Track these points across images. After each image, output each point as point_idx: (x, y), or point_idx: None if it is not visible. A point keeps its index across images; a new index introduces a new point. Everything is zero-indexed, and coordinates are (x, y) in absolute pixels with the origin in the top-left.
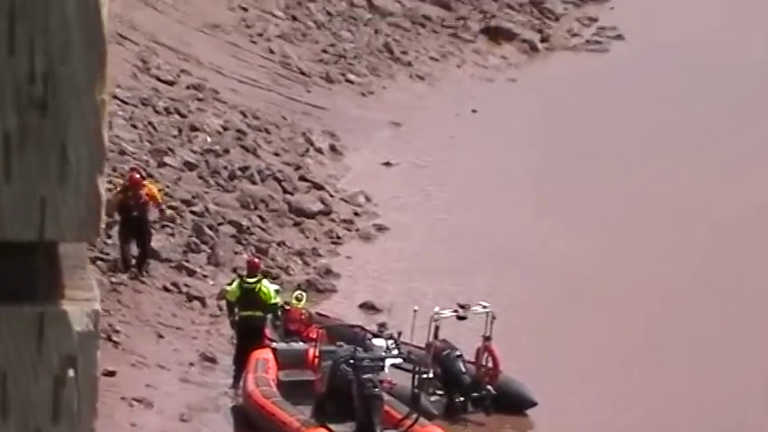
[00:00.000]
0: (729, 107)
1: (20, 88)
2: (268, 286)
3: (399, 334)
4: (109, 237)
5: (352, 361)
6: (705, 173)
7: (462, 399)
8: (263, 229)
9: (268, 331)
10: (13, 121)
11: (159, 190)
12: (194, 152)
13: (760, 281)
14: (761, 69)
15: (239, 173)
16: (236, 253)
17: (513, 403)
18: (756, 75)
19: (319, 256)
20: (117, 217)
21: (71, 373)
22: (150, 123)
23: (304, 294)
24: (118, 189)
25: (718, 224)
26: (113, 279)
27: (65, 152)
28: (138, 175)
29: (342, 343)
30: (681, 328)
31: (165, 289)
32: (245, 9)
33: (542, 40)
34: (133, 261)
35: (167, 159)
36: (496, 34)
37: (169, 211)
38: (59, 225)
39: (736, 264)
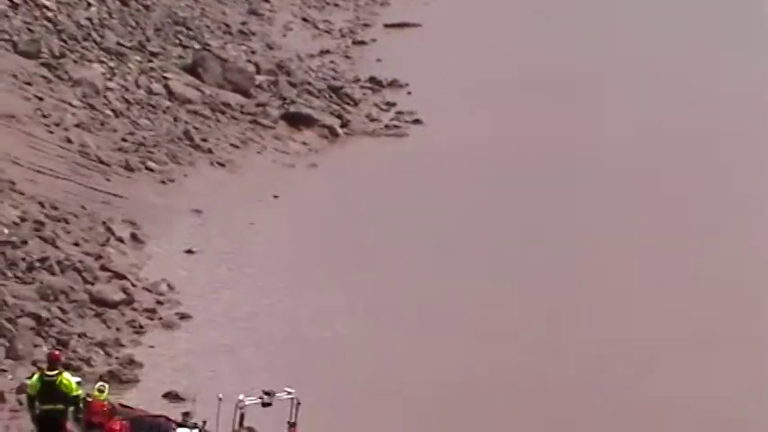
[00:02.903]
0: (525, 194)
1: None
2: (69, 378)
3: (204, 422)
4: None
5: None
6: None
7: None
8: (63, 321)
9: (69, 424)
10: None
11: None
12: None
13: None
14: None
15: (38, 264)
16: (35, 346)
17: None
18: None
19: (122, 346)
20: None
21: None
22: None
23: (106, 386)
24: None
25: None
26: None
27: None
28: None
29: None
30: None
31: None
32: (40, 98)
33: (342, 126)
34: None
35: None
36: (296, 120)
37: None
38: None
39: None
